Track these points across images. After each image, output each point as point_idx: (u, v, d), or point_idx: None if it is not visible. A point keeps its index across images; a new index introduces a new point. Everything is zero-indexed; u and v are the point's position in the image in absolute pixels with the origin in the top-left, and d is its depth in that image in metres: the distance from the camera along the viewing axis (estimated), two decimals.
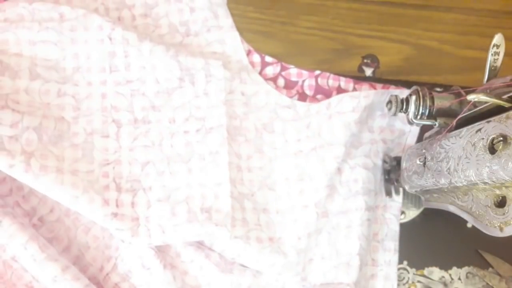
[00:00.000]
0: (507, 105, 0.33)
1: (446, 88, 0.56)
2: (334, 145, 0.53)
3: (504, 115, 0.32)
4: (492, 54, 0.39)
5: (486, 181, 0.33)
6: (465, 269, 0.55)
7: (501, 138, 0.31)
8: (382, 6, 0.59)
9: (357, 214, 0.52)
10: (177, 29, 0.56)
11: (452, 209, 0.39)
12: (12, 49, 0.51)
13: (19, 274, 0.47)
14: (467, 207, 0.37)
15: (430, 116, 0.43)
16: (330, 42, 0.58)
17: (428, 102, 0.43)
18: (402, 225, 0.55)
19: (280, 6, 0.59)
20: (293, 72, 0.57)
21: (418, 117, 0.44)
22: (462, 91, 0.43)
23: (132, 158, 0.51)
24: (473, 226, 0.36)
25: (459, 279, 0.54)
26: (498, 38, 0.39)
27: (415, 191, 0.45)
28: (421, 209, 0.55)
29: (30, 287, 0.47)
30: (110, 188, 0.49)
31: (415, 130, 0.55)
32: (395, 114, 0.46)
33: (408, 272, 0.55)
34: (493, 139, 0.32)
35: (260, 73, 0.57)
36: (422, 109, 0.43)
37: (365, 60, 0.58)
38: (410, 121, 0.44)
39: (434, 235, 0.55)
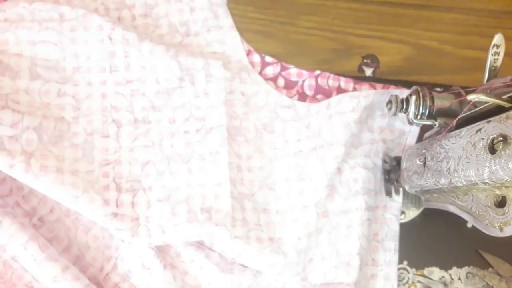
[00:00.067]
0: (507, 105, 0.33)
1: (446, 88, 0.56)
2: (334, 145, 0.53)
3: (504, 115, 0.32)
4: (492, 54, 0.39)
5: (486, 181, 0.33)
6: (465, 269, 0.55)
7: (501, 138, 0.31)
8: (382, 6, 0.59)
9: (357, 214, 0.52)
10: (177, 29, 0.56)
11: (452, 209, 0.39)
12: (12, 49, 0.51)
13: (19, 274, 0.47)
14: (467, 207, 0.37)
15: (430, 116, 0.43)
16: (330, 42, 0.58)
17: (428, 102, 0.43)
18: (402, 225, 0.55)
19: (280, 6, 0.59)
20: (293, 72, 0.57)
21: (418, 117, 0.44)
22: (462, 91, 0.43)
23: (132, 158, 0.51)
24: (473, 226, 0.36)
25: (459, 279, 0.54)
26: (498, 38, 0.39)
27: (415, 191, 0.45)
28: (421, 209, 0.55)
29: (30, 287, 0.47)
30: (110, 188, 0.49)
31: (415, 130, 0.55)
32: (395, 114, 0.46)
33: (408, 272, 0.55)
34: (493, 139, 0.32)
35: (260, 73, 0.57)
36: (422, 109, 0.43)
37: (365, 60, 0.58)
38: (410, 121, 0.44)
39: (434, 235, 0.55)
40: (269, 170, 0.53)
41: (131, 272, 0.49)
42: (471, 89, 0.37)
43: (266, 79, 0.56)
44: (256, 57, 0.57)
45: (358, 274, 0.52)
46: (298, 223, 0.51)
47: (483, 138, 0.33)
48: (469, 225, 0.54)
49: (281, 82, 0.57)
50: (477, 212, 0.36)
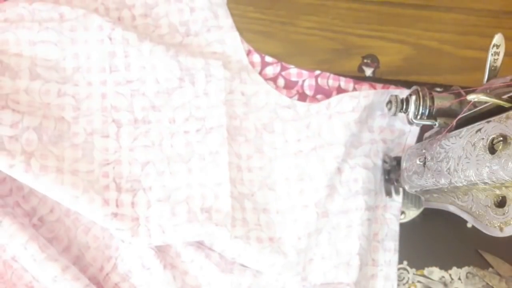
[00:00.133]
0: (507, 105, 0.33)
1: (446, 88, 0.56)
2: (334, 145, 0.53)
3: (504, 115, 0.32)
4: (492, 54, 0.39)
5: (486, 181, 0.33)
6: (465, 269, 0.55)
7: (501, 138, 0.31)
8: (382, 6, 0.59)
9: (357, 214, 0.52)
10: (177, 29, 0.56)
11: (452, 209, 0.39)
12: (12, 49, 0.51)
13: (19, 274, 0.47)
14: (467, 207, 0.37)
15: (430, 116, 0.43)
16: (330, 42, 0.58)
17: (428, 102, 0.43)
18: (402, 225, 0.55)
19: (280, 6, 0.59)
20: (293, 72, 0.57)
21: (418, 117, 0.44)
22: (462, 91, 0.43)
23: (132, 158, 0.51)
24: (473, 226, 0.36)
25: (459, 279, 0.54)
26: (498, 38, 0.39)
27: (415, 191, 0.45)
28: (421, 209, 0.55)
29: (30, 287, 0.47)
30: (110, 188, 0.49)
31: (415, 130, 0.55)
32: (395, 114, 0.46)
33: (408, 272, 0.55)
34: (493, 139, 0.32)
35: (260, 73, 0.57)
36: (422, 109, 0.43)
37: (365, 60, 0.58)
38: (410, 121, 0.44)
39: (434, 235, 0.55)
40: (269, 170, 0.53)
41: (131, 272, 0.49)
42: (471, 89, 0.37)
43: (266, 79, 0.56)
44: (256, 57, 0.57)
45: (358, 274, 0.52)
46: (298, 223, 0.51)
47: (483, 138, 0.33)
48: (469, 225, 0.54)
49: (281, 82, 0.57)
50: (477, 212, 0.36)
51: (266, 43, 0.58)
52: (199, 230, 0.48)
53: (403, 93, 0.52)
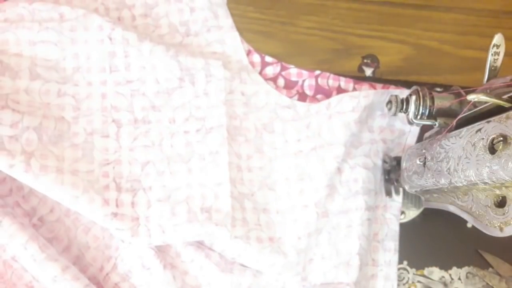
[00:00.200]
0: (507, 105, 0.33)
1: (446, 88, 0.56)
2: (334, 145, 0.53)
3: (504, 115, 0.32)
4: (492, 54, 0.39)
5: (486, 181, 0.33)
6: (465, 269, 0.55)
7: (501, 138, 0.31)
8: (382, 6, 0.59)
9: (357, 214, 0.52)
10: (177, 29, 0.56)
11: (452, 209, 0.39)
12: (12, 49, 0.51)
13: (19, 274, 0.47)
14: (467, 207, 0.37)
15: (430, 116, 0.43)
16: (330, 42, 0.58)
17: (428, 102, 0.43)
18: (402, 225, 0.55)
19: (280, 6, 0.59)
20: (293, 72, 0.57)
21: (418, 117, 0.44)
22: (462, 91, 0.43)
23: (132, 158, 0.51)
24: (473, 226, 0.36)
25: (459, 279, 0.54)
26: (498, 38, 0.39)
27: (415, 191, 0.45)
28: (421, 209, 0.55)
29: (30, 287, 0.47)
30: (110, 188, 0.49)
31: (415, 130, 0.55)
32: (395, 114, 0.46)
33: (408, 272, 0.55)
34: (493, 139, 0.32)
35: (260, 73, 0.57)
36: (422, 109, 0.43)
37: (365, 60, 0.58)
38: (410, 121, 0.44)
39: (434, 235, 0.55)
40: (269, 170, 0.53)
41: (131, 272, 0.49)
42: (471, 89, 0.37)
43: (266, 79, 0.56)
44: (256, 57, 0.57)
45: (358, 274, 0.52)
46: (298, 223, 0.51)
47: (483, 138, 0.33)
48: (469, 225, 0.54)
49: (281, 82, 0.57)
50: (477, 212, 0.36)
51: (266, 43, 0.58)
52: (199, 230, 0.48)
53: (403, 93, 0.52)
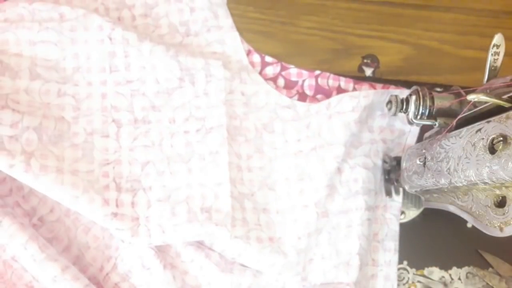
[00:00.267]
0: (507, 105, 0.33)
1: (446, 88, 0.56)
2: (334, 145, 0.53)
3: (504, 115, 0.32)
4: (492, 54, 0.39)
5: (486, 181, 0.33)
6: (465, 269, 0.55)
7: (501, 138, 0.31)
8: (382, 6, 0.59)
9: (357, 214, 0.52)
10: (177, 29, 0.56)
11: (452, 209, 0.39)
12: (12, 49, 0.51)
13: (19, 274, 0.47)
14: (467, 207, 0.37)
15: (430, 116, 0.43)
16: (330, 42, 0.58)
17: (428, 102, 0.43)
18: (402, 225, 0.55)
19: (280, 6, 0.59)
20: (293, 72, 0.57)
21: (418, 117, 0.44)
22: (462, 91, 0.43)
23: (132, 158, 0.51)
24: (473, 226, 0.36)
25: (459, 279, 0.54)
26: (498, 38, 0.39)
27: (415, 191, 0.45)
28: (421, 209, 0.55)
29: (30, 287, 0.47)
30: (110, 188, 0.49)
31: (415, 130, 0.55)
32: (395, 114, 0.46)
33: (408, 272, 0.55)
34: (493, 139, 0.32)
35: (260, 73, 0.57)
36: (422, 109, 0.43)
37: (365, 60, 0.58)
38: (410, 121, 0.44)
39: (434, 235, 0.55)
40: (269, 170, 0.53)
41: (131, 272, 0.49)
42: (471, 89, 0.37)
43: (266, 79, 0.56)
44: (256, 57, 0.57)
45: (358, 274, 0.52)
46: (298, 223, 0.51)
47: (483, 138, 0.33)
48: (469, 225, 0.54)
49: (281, 82, 0.57)
50: (477, 212, 0.36)
51: (266, 43, 0.58)
52: (199, 230, 0.48)
53: (403, 93, 0.52)
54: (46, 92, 0.50)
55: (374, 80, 0.57)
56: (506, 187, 0.32)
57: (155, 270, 0.48)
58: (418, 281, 0.54)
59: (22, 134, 0.47)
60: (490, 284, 0.54)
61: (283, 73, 0.57)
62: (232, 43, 0.56)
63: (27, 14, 0.52)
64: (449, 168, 0.37)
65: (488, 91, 0.36)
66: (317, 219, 0.52)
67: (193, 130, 0.52)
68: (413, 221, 0.55)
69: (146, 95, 0.52)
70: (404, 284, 0.54)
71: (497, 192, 0.33)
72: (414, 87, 0.45)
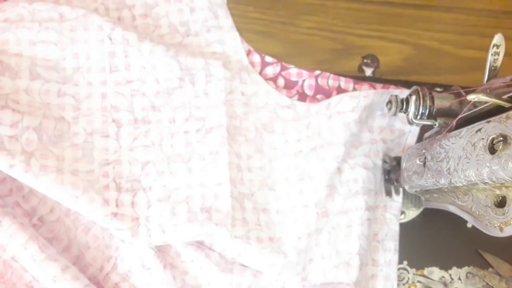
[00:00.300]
0: (507, 105, 0.33)
1: (446, 88, 0.56)
2: (334, 145, 0.53)
3: (504, 115, 0.32)
4: (492, 54, 0.39)
5: (486, 181, 0.33)
6: (465, 269, 0.55)
7: (501, 138, 0.31)
8: (382, 6, 0.59)
9: (357, 214, 0.52)
10: (177, 29, 0.56)
11: (452, 209, 0.39)
12: (12, 49, 0.51)
13: (19, 274, 0.47)
14: (467, 207, 0.37)
15: (430, 116, 0.43)
16: (330, 42, 0.58)
17: (428, 102, 0.43)
18: (402, 225, 0.55)
19: (280, 6, 0.59)
20: (293, 72, 0.57)
21: (418, 117, 0.44)
22: (462, 91, 0.43)
23: (132, 158, 0.51)
24: (473, 226, 0.36)
25: (459, 279, 0.54)
26: (498, 38, 0.39)
27: (415, 191, 0.45)
28: (421, 209, 0.55)
29: (30, 287, 0.47)
30: (110, 188, 0.49)
31: (415, 130, 0.55)
32: (395, 114, 0.46)
33: (408, 272, 0.55)
34: (493, 139, 0.32)
35: (260, 73, 0.57)
36: (422, 109, 0.43)
37: (365, 60, 0.58)
38: (410, 121, 0.44)
39: (434, 235, 0.55)
40: (269, 170, 0.53)
41: (131, 272, 0.49)
42: (471, 89, 0.37)
43: (266, 79, 0.56)
44: (256, 57, 0.57)
45: (358, 274, 0.52)
46: (298, 223, 0.51)
47: (483, 138, 0.33)
48: (469, 225, 0.54)
49: (281, 82, 0.57)
50: (477, 212, 0.36)
51: (266, 43, 0.58)
52: (199, 230, 0.48)
53: (403, 93, 0.52)
54: (46, 92, 0.50)
55: (374, 80, 0.57)
56: (506, 187, 0.32)
57: (155, 270, 0.48)
58: (418, 281, 0.54)
59: (22, 134, 0.47)
60: (490, 284, 0.54)
61: (283, 73, 0.57)
62: (232, 43, 0.56)
63: (27, 14, 0.52)
64: (449, 168, 0.37)
65: (488, 91, 0.36)
66: (317, 219, 0.52)
67: (193, 130, 0.52)
68: (413, 221, 0.55)
69: (146, 95, 0.52)
70: (404, 284, 0.54)
71: (497, 192, 0.33)
72: (414, 87, 0.45)
